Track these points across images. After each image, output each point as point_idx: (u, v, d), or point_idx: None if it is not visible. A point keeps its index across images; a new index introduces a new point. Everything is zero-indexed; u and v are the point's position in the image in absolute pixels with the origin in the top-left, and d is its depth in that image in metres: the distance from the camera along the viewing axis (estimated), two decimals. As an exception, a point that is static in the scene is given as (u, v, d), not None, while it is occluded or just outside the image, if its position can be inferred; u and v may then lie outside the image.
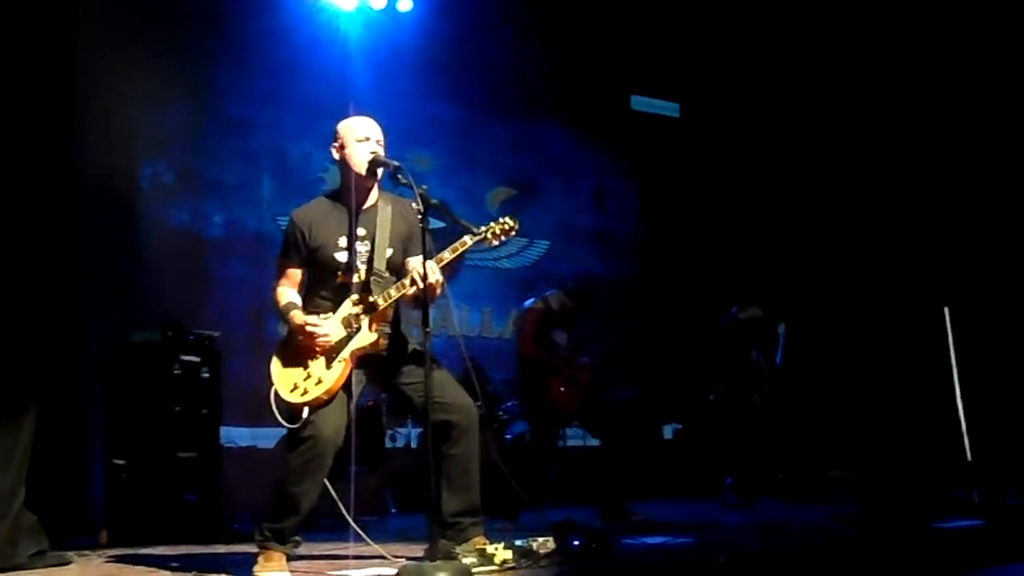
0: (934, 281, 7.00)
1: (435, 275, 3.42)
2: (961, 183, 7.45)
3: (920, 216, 7.66)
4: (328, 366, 3.49)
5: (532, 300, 6.01)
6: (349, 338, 3.53)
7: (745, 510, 6.15)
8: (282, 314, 3.61)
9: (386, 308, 3.58)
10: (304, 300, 3.66)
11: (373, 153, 3.60)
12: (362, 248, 3.62)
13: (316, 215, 3.67)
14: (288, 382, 3.51)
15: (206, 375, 5.57)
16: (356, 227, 3.63)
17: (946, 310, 6.08)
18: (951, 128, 7.54)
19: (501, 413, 6.89)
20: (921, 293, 6.91)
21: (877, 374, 7.55)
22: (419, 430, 6.53)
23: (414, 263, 3.62)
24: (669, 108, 9.28)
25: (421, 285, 3.38)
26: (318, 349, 3.51)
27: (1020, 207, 7.10)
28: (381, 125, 3.76)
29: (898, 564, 3.71)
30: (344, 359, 3.50)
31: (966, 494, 5.57)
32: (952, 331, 6.02)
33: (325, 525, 4.95)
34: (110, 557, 4.43)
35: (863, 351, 7.70)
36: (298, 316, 3.55)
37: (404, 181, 3.42)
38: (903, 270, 7.59)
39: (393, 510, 6.71)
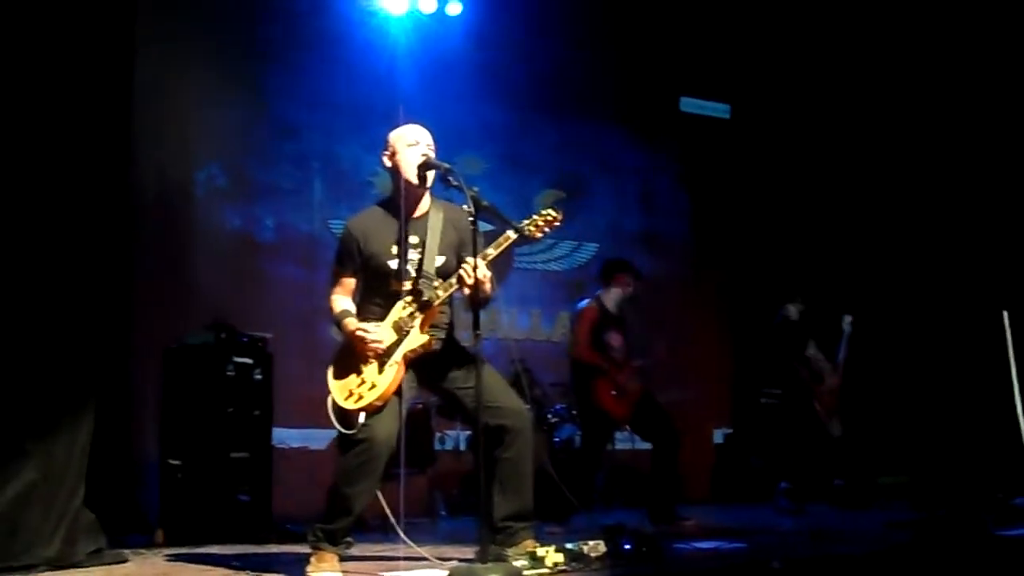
0: (993, 284, 6.85)
1: (483, 271, 3.42)
2: (1021, 186, 7.29)
3: (979, 219, 7.51)
4: (381, 370, 3.52)
5: (586, 301, 5.96)
6: (400, 341, 3.55)
7: (798, 515, 6.06)
8: (336, 321, 3.65)
9: (436, 309, 3.59)
10: (358, 308, 3.70)
11: (424, 156, 3.61)
12: (414, 255, 3.64)
13: (370, 223, 3.70)
14: (344, 390, 3.54)
15: (259, 377, 5.63)
16: (408, 234, 3.65)
17: (1005, 313, 5.95)
18: (1009, 129, 7.39)
19: (550, 416, 6.88)
20: (980, 296, 6.77)
21: (935, 378, 7.41)
22: (468, 433, 6.54)
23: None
24: (719, 109, 9.19)
25: (469, 282, 3.38)
26: (371, 354, 3.53)
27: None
28: (431, 131, 3.78)
29: (959, 572, 3.63)
30: (397, 362, 3.52)
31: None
32: (1011, 335, 5.89)
33: (375, 526, 4.99)
34: (166, 556, 4.51)
35: (921, 354, 7.56)
36: (351, 323, 3.59)
37: (455, 183, 3.43)
38: (962, 273, 7.44)
39: (443, 513, 6.73)
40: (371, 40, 7.47)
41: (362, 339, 3.52)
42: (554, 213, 3.54)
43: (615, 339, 5.78)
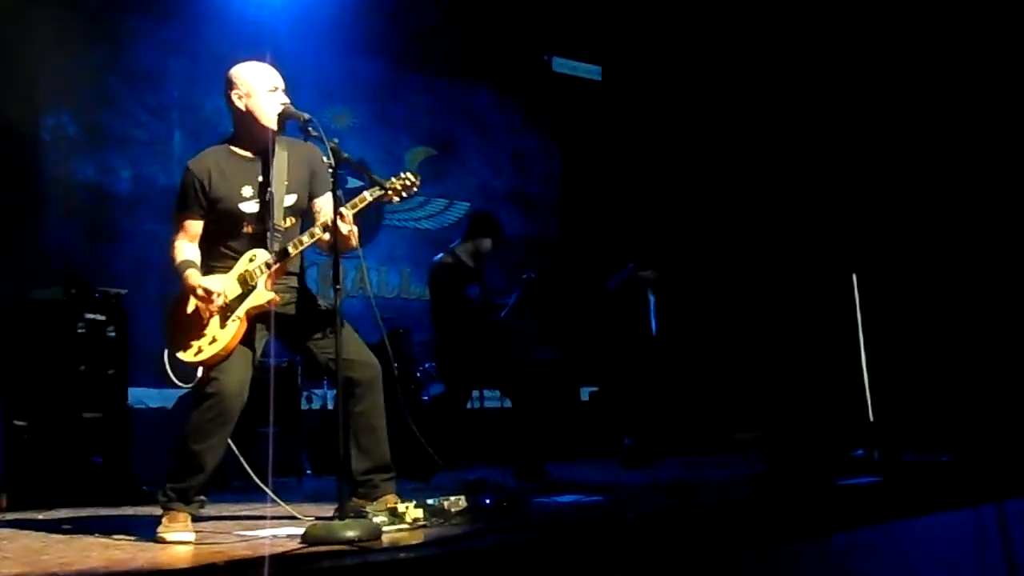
0: (843, 247, 7.17)
1: (349, 225, 3.35)
2: (875, 152, 7.63)
3: (834, 185, 7.83)
4: (223, 325, 3.41)
5: (440, 256, 5.91)
6: (244, 296, 3.45)
7: (646, 468, 6.16)
8: (178, 271, 3.50)
9: (285, 264, 3.51)
10: (207, 252, 3.56)
11: (284, 105, 3.50)
12: (266, 198, 3.52)
13: (214, 165, 3.54)
14: (182, 340, 3.42)
15: (112, 334, 5.44)
16: (266, 176, 3.53)
17: (854, 276, 6.23)
18: (861, 95, 7.71)
19: (419, 374, 6.87)
20: (830, 259, 7.08)
21: (787, 338, 7.73)
22: (335, 391, 6.47)
23: (322, 204, 3.55)
24: (591, 71, 9.28)
25: (344, 231, 3.30)
26: (213, 308, 3.42)
27: (929, 176, 7.31)
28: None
29: (801, 519, 3.81)
30: (239, 317, 3.42)
31: (868, 453, 5.76)
32: (859, 297, 6.18)
33: (237, 487, 4.89)
34: (8, 521, 4.29)
35: (774, 315, 7.87)
36: (193, 276, 3.44)
37: (315, 134, 3.33)
38: (814, 236, 7.76)
39: (308, 472, 6.67)
40: (235, -15, 7.21)
41: (204, 298, 3.40)
42: (412, 177, 3.46)
43: (473, 291, 5.77)
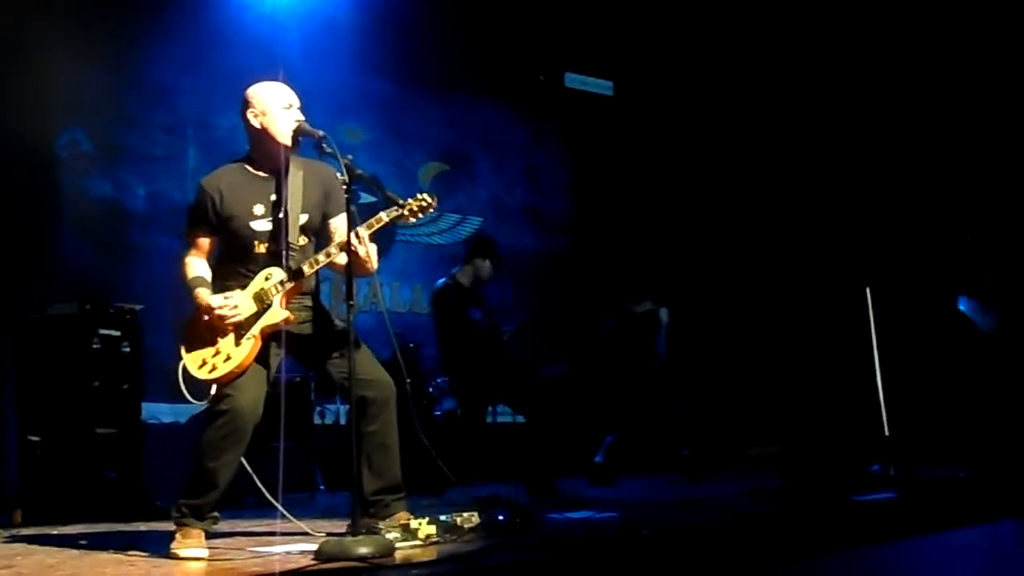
0: (857, 261, 7.15)
1: (364, 246, 3.35)
2: (888, 168, 7.62)
3: (846, 199, 7.81)
4: (237, 343, 3.41)
5: (442, 280, 5.93)
6: (259, 314, 3.45)
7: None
8: (189, 289, 3.51)
9: (301, 283, 3.51)
10: (222, 270, 3.57)
11: (298, 122, 3.51)
12: (279, 216, 3.52)
13: (226, 183, 3.55)
14: (197, 358, 3.43)
15: (127, 349, 5.45)
16: (279, 195, 3.54)
17: (868, 290, 6.21)
18: (872, 111, 7.70)
19: (431, 390, 6.87)
20: (844, 273, 7.06)
21: (801, 353, 7.70)
22: (348, 406, 6.48)
23: (337, 225, 3.56)
24: (603, 86, 9.30)
25: (362, 252, 3.31)
26: (228, 326, 3.42)
27: (941, 190, 7.29)
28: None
29: (817, 535, 3.79)
30: (254, 336, 3.41)
31: (883, 468, 5.72)
32: (874, 311, 6.16)
33: (250, 503, 4.89)
34: (20, 536, 4.30)
35: (788, 330, 7.85)
36: (204, 295, 3.45)
37: (329, 151, 3.34)
38: (827, 250, 7.74)
39: (321, 487, 6.67)
40: (249, 3, 7.26)
41: (219, 317, 3.41)
42: (429, 199, 3.45)
43: (476, 314, 5.78)
